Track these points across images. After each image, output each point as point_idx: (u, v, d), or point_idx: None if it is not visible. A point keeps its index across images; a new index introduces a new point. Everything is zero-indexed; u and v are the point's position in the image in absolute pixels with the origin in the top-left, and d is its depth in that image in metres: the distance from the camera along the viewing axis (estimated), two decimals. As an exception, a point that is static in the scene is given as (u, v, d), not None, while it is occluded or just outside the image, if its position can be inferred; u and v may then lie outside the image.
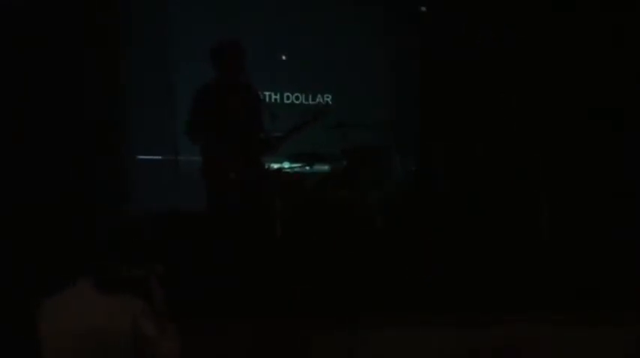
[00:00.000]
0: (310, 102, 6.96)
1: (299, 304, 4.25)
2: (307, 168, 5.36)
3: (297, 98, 6.99)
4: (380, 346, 4.04)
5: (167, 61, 6.42)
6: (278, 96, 6.88)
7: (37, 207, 4.72)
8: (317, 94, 6.98)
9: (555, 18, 5.72)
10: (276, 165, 5.45)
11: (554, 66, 5.81)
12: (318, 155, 5.34)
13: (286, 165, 5.32)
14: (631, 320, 4.22)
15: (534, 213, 5.14)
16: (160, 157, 6.31)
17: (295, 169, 5.29)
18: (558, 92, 5.84)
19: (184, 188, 5.79)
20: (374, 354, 4.05)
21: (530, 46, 5.95)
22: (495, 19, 6.12)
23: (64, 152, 5.12)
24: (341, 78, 6.85)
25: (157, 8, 6.42)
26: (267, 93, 6.52)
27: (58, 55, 5.21)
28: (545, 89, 5.93)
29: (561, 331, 4.16)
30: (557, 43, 5.83)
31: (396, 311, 4.26)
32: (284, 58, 6.36)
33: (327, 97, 6.98)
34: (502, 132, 6.02)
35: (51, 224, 4.51)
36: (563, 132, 5.75)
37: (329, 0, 6.97)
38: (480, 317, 4.22)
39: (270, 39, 6.56)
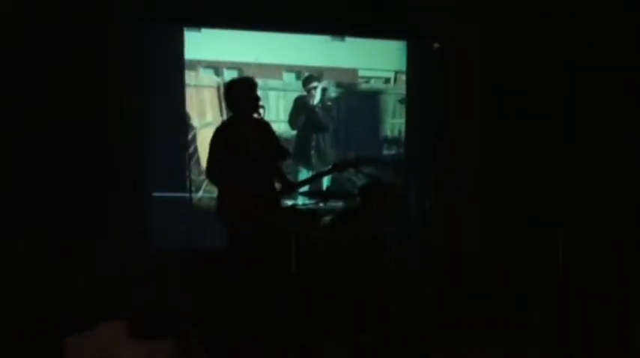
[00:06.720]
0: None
1: (313, 339, 4.23)
2: (321, 204, 5.34)
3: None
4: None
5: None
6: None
7: (60, 245, 4.75)
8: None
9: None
10: (290, 202, 5.44)
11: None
12: (332, 192, 5.33)
13: (300, 201, 5.29)
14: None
15: (551, 250, 5.13)
16: (174, 194, 6.26)
17: (310, 206, 5.28)
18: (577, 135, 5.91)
19: (198, 224, 5.77)
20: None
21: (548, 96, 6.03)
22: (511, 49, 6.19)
23: (82, 189, 5.17)
24: (357, 113, 6.84)
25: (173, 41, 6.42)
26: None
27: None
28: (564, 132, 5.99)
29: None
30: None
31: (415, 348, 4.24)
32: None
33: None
34: (521, 170, 6.04)
35: (76, 261, 4.53)
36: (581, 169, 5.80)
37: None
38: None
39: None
